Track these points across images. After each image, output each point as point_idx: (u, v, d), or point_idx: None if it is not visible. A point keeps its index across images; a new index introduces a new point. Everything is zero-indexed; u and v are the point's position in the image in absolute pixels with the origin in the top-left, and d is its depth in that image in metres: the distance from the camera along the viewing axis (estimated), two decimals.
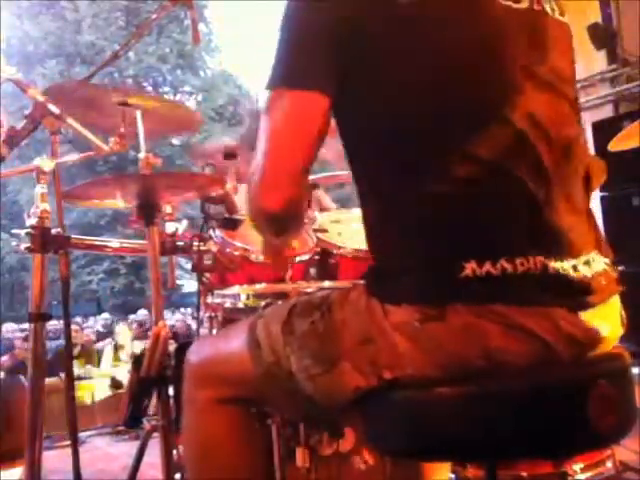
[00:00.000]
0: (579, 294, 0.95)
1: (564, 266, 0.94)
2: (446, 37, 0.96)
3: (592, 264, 0.98)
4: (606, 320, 0.99)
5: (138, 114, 1.85)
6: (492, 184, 0.94)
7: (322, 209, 2.38)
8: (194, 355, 1.21)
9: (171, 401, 1.65)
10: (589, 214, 1.05)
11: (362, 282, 1.05)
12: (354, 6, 0.97)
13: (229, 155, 2.22)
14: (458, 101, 0.96)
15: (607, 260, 1.03)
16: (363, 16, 0.96)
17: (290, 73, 1.00)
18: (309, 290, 1.54)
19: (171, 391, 1.64)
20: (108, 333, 8.98)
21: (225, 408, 1.14)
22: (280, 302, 1.22)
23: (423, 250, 0.96)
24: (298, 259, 1.89)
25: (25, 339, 6.19)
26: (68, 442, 2.01)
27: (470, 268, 0.91)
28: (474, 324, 0.91)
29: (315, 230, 1.98)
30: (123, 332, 8.36)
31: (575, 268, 0.95)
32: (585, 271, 0.96)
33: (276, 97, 1.00)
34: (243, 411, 1.17)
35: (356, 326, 0.99)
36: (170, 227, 1.86)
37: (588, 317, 0.95)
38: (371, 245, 1.07)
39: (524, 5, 1.00)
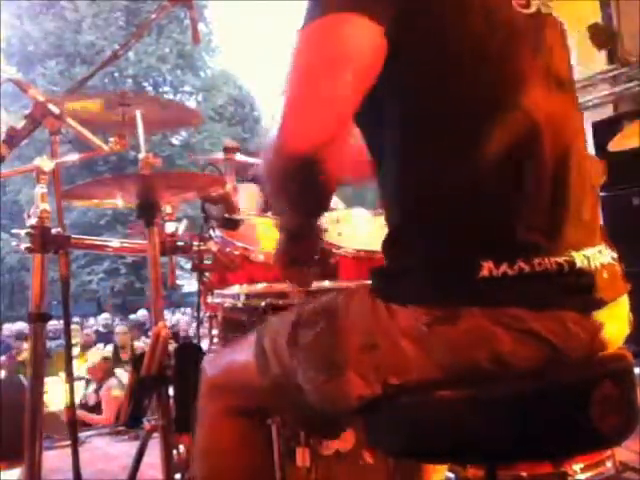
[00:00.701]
0: (589, 289, 0.94)
1: (574, 260, 0.94)
2: (465, 29, 0.96)
3: (597, 256, 0.98)
4: (614, 321, 0.99)
5: (138, 114, 1.85)
6: (507, 184, 0.94)
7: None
8: (209, 367, 1.23)
9: (171, 401, 1.65)
10: (593, 207, 1.04)
11: (367, 283, 1.04)
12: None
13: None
14: (470, 99, 0.95)
15: (614, 255, 1.03)
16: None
17: (328, 2, 0.89)
18: (309, 290, 1.53)
19: (171, 391, 1.64)
20: (108, 333, 8.98)
21: (234, 419, 1.16)
22: (286, 312, 1.21)
23: (436, 249, 0.95)
24: None
25: (25, 339, 6.19)
26: (68, 442, 2.01)
27: (487, 268, 0.90)
28: (484, 328, 0.90)
29: None
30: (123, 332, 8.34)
31: (583, 261, 0.95)
32: (591, 262, 0.96)
33: (309, 29, 0.90)
34: (252, 422, 1.18)
35: (361, 331, 0.98)
36: (170, 227, 1.87)
37: (597, 318, 0.95)
38: (384, 244, 1.05)
39: (533, 9, 1.01)
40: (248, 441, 1.18)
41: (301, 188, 0.99)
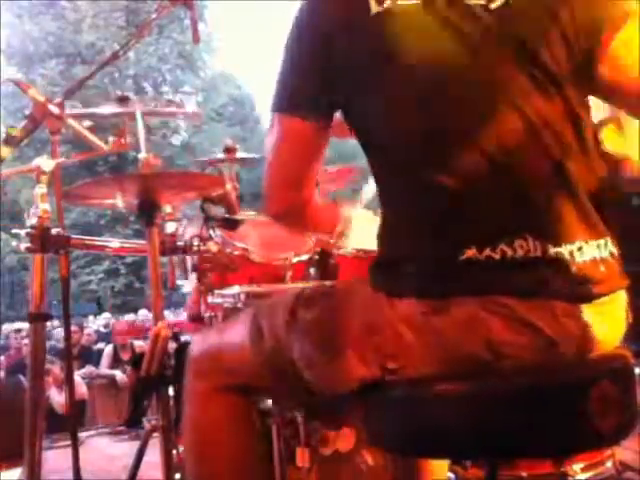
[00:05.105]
0: (578, 281, 0.95)
1: (562, 250, 0.94)
2: (432, 46, 0.97)
3: (588, 250, 0.97)
4: (608, 318, 0.99)
5: (138, 114, 1.86)
6: (490, 176, 0.95)
7: None
8: (196, 346, 1.24)
9: (171, 401, 1.65)
10: (590, 203, 1.02)
11: (367, 277, 1.05)
12: (331, 25, 1.02)
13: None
14: (455, 101, 0.97)
15: (613, 250, 1.02)
16: (335, 34, 1.01)
17: (280, 100, 1.11)
18: None
19: (171, 391, 1.64)
20: (108, 333, 8.97)
21: (223, 397, 1.16)
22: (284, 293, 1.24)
23: (427, 244, 0.98)
24: (298, 259, 1.90)
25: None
26: (68, 442, 2.01)
27: (470, 253, 0.92)
28: (478, 316, 0.92)
29: None
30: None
31: (572, 253, 0.95)
32: (581, 256, 0.96)
33: (273, 119, 1.12)
34: (241, 399, 1.19)
35: (361, 315, 1.00)
36: (170, 227, 1.86)
37: (591, 313, 0.95)
38: (379, 239, 1.08)
39: (498, 2, 0.97)
40: (236, 418, 1.19)
41: (296, 229, 1.39)
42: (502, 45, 0.97)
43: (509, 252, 0.92)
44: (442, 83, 0.97)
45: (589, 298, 0.95)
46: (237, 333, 1.15)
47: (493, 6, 0.97)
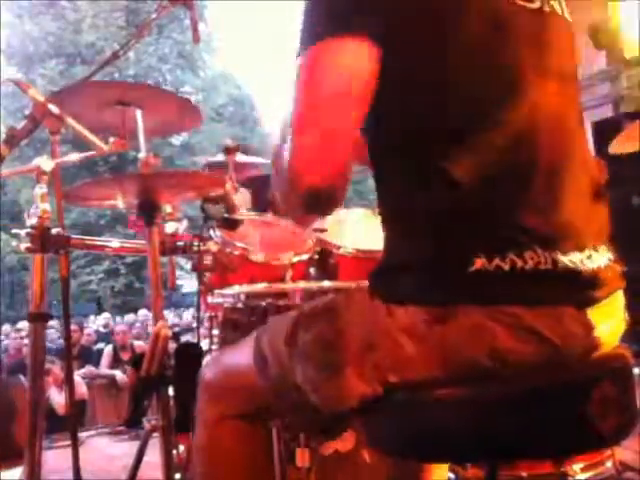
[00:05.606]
0: (586, 288, 0.95)
1: (572, 259, 0.94)
2: (457, 32, 0.95)
3: (597, 257, 0.98)
4: (610, 317, 1.00)
5: (138, 113, 1.85)
6: (498, 180, 0.94)
7: None
8: (208, 371, 1.23)
9: (171, 401, 1.65)
10: (596, 208, 1.04)
11: (367, 283, 1.04)
12: None
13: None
14: (461, 100, 0.95)
15: (611, 256, 1.02)
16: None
17: (323, 25, 0.90)
18: (309, 290, 1.54)
19: (171, 391, 1.64)
20: (108, 333, 8.97)
21: (233, 422, 1.16)
22: (285, 313, 1.22)
23: (431, 248, 0.95)
24: (298, 259, 1.90)
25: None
26: (68, 442, 2.02)
27: (479, 263, 0.90)
28: (483, 324, 0.91)
29: (315, 230, 1.98)
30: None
31: (582, 261, 0.95)
32: (590, 264, 0.96)
33: (309, 59, 0.91)
34: (250, 425, 1.18)
35: (361, 330, 0.98)
36: (170, 227, 1.87)
37: (594, 315, 0.95)
38: (384, 244, 1.06)
39: (536, 5, 1.01)
40: (247, 444, 1.18)
41: (315, 213, 1.11)
42: (526, 38, 0.98)
43: (519, 263, 0.91)
44: (467, 66, 0.95)
45: (594, 301, 0.95)
46: (243, 360, 1.13)
47: (531, 6, 1.00)
